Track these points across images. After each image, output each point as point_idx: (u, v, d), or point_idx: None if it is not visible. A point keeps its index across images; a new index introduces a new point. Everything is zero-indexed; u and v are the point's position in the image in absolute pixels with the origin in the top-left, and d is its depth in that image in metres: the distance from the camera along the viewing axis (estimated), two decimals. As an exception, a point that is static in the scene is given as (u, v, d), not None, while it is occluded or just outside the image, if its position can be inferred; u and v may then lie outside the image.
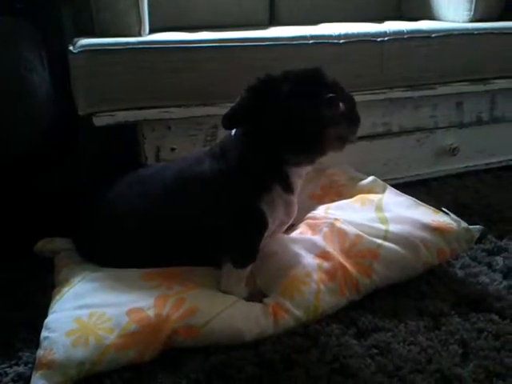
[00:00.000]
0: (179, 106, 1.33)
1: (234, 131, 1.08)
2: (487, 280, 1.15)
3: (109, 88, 1.27)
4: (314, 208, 1.29)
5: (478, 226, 1.21)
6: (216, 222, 1.05)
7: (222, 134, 1.36)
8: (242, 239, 1.06)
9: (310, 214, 1.26)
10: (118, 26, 1.35)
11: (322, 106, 1.00)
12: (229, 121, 1.03)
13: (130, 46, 1.27)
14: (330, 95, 1.00)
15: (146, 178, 1.14)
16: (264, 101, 1.00)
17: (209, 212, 1.06)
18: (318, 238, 1.15)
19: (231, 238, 1.05)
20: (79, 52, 1.23)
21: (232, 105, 1.03)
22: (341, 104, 1.01)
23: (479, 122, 1.73)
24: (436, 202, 1.31)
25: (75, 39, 1.29)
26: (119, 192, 1.15)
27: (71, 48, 1.24)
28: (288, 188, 1.08)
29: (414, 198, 1.29)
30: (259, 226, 1.05)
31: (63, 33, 1.46)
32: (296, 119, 0.99)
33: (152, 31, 1.43)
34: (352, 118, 1.04)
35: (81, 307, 0.97)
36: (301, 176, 1.10)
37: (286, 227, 1.16)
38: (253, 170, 1.04)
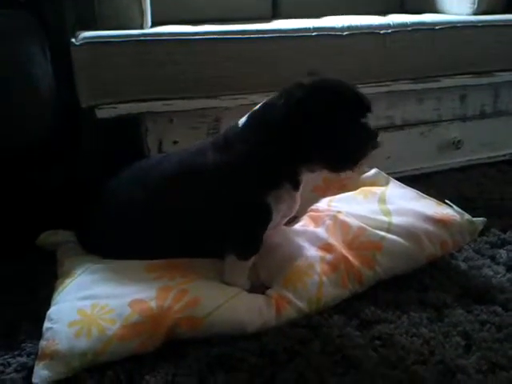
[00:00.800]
0: (182, 99, 1.33)
1: (241, 123, 1.07)
2: (490, 272, 1.15)
3: (111, 80, 1.27)
4: (316, 201, 1.29)
5: (481, 219, 1.20)
6: (219, 214, 1.05)
7: (225, 126, 1.37)
8: (246, 231, 1.06)
9: (313, 207, 1.26)
10: (121, 19, 1.35)
11: (366, 135, 1.01)
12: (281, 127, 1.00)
13: (133, 39, 1.27)
14: (373, 131, 1.02)
15: (147, 170, 1.14)
16: (307, 115, 0.98)
17: (212, 204, 1.05)
18: (320, 230, 1.15)
19: (235, 229, 1.05)
20: (81, 44, 1.23)
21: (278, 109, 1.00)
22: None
23: (483, 114, 1.72)
24: (439, 195, 1.31)
25: (77, 32, 1.29)
26: (121, 184, 1.15)
27: (73, 40, 1.24)
28: (296, 185, 1.08)
29: (417, 191, 1.29)
30: (264, 219, 1.05)
31: (65, 26, 1.46)
32: (342, 142, 0.99)
33: (154, 24, 1.43)
34: (375, 137, 1.04)
35: (83, 298, 0.97)
36: (310, 176, 1.11)
37: (287, 219, 1.16)
38: (265, 166, 1.03)
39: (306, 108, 0.97)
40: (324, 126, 0.98)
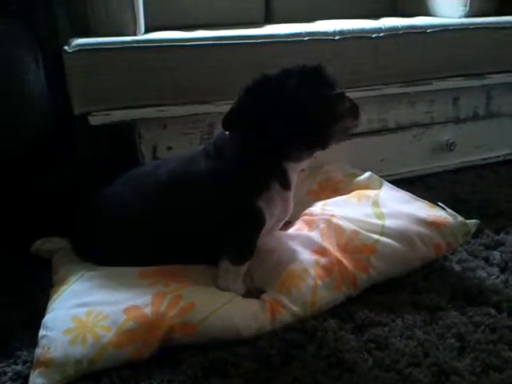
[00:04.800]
0: (175, 105, 1.33)
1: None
2: (484, 274, 1.15)
3: (104, 87, 1.27)
4: (310, 204, 1.30)
5: (474, 221, 1.20)
6: (213, 221, 1.05)
7: (219, 132, 1.37)
8: (240, 237, 1.06)
9: (306, 211, 1.27)
10: (114, 26, 1.34)
11: (334, 100, 1.00)
12: (228, 122, 1.04)
13: (126, 46, 1.27)
14: (341, 90, 1.02)
15: (141, 177, 1.14)
16: (264, 100, 1.01)
17: (205, 210, 1.06)
18: (314, 234, 1.15)
19: (229, 235, 1.05)
20: (74, 52, 1.23)
21: (231, 105, 1.04)
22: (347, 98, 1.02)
23: (475, 117, 1.73)
24: (433, 198, 1.31)
25: (70, 39, 1.29)
26: (114, 191, 1.15)
27: (66, 48, 1.24)
28: (285, 184, 1.08)
29: (410, 193, 1.29)
30: (257, 223, 1.05)
31: (58, 33, 1.46)
32: (311, 112, 0.99)
33: (148, 31, 1.43)
34: (354, 110, 1.04)
35: (78, 306, 0.97)
36: (297, 171, 1.11)
37: (282, 224, 1.16)
38: (252, 168, 1.04)
39: (257, 96, 1.00)
40: (290, 107, 0.99)
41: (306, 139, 1.03)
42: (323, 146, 1.04)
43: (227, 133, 1.08)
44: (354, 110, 1.03)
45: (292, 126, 1.01)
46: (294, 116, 1.00)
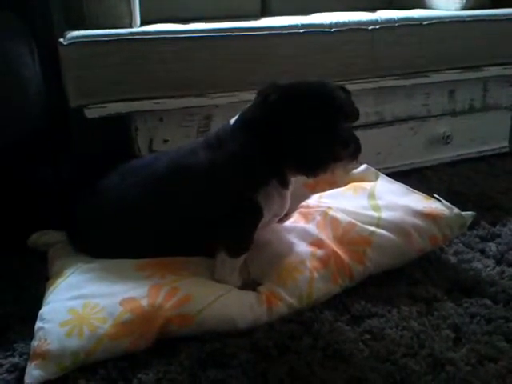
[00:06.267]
0: (171, 97, 1.33)
1: (232, 121, 1.08)
2: (480, 266, 1.16)
3: (100, 80, 1.27)
4: (307, 197, 1.30)
5: (470, 212, 1.21)
6: (211, 212, 1.05)
7: (215, 124, 1.37)
8: (237, 229, 1.06)
9: (303, 203, 1.27)
10: (109, 18, 1.34)
11: (336, 143, 1.01)
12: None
13: (121, 38, 1.27)
14: (345, 138, 1.01)
15: (138, 169, 1.14)
16: (278, 114, 1.00)
17: (204, 202, 1.06)
18: (310, 226, 1.15)
19: (226, 227, 1.05)
20: (69, 44, 1.23)
21: (248, 107, 1.05)
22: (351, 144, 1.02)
23: (472, 109, 1.73)
24: (429, 190, 1.32)
25: (66, 32, 1.29)
26: (111, 183, 1.14)
27: (61, 40, 1.24)
28: (284, 183, 1.09)
29: (406, 186, 1.29)
30: (255, 216, 1.06)
31: (53, 26, 1.46)
32: (310, 148, 1.00)
33: (143, 23, 1.43)
34: (356, 151, 1.04)
35: (75, 298, 0.97)
36: (297, 176, 1.12)
37: (278, 218, 1.16)
38: (253, 164, 1.04)
39: (277, 111, 0.99)
40: (294, 131, 1.00)
41: (300, 166, 1.04)
42: (314, 175, 1.06)
43: (231, 125, 1.08)
44: (355, 151, 1.03)
45: (291, 150, 1.02)
46: (296, 143, 1.01)
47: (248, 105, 1.07)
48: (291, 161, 1.04)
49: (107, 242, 1.11)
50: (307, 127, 1.00)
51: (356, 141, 1.03)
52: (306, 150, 1.01)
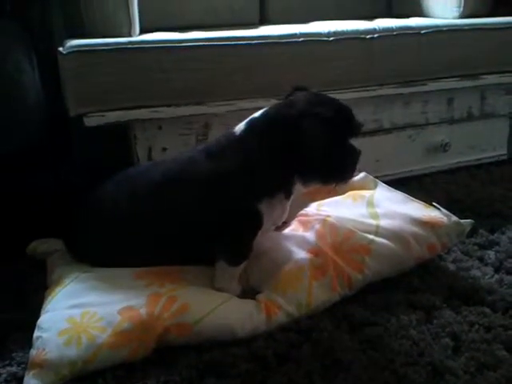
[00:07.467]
0: (170, 106, 1.33)
1: (239, 130, 1.07)
2: (479, 273, 1.16)
3: (99, 88, 1.27)
4: (306, 205, 1.29)
5: (469, 220, 1.21)
6: (210, 220, 1.05)
7: (214, 133, 1.38)
8: (237, 238, 1.06)
9: (302, 212, 1.26)
10: (108, 27, 1.35)
11: (349, 157, 1.08)
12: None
13: (120, 47, 1.27)
14: (356, 148, 1.08)
15: (136, 177, 1.14)
16: (302, 133, 1.01)
17: (203, 210, 1.05)
18: (309, 235, 1.15)
19: (225, 236, 1.05)
20: (69, 53, 1.23)
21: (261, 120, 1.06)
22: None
23: (470, 117, 1.74)
24: (428, 198, 1.32)
25: (65, 40, 1.29)
26: (108, 192, 1.14)
27: (61, 49, 1.24)
28: (288, 194, 1.10)
29: (404, 194, 1.30)
30: (255, 225, 1.06)
31: (53, 34, 1.46)
32: (337, 160, 1.05)
33: (143, 32, 1.43)
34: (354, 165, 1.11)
35: (73, 307, 0.97)
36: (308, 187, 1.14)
37: (275, 227, 1.16)
38: (261, 175, 1.04)
39: (302, 127, 0.99)
40: (319, 146, 1.01)
41: (327, 177, 1.08)
42: (343, 183, 1.11)
43: (237, 133, 1.07)
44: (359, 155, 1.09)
45: (315, 165, 1.04)
46: (320, 157, 1.02)
47: (255, 114, 1.07)
48: (314, 174, 1.07)
49: (105, 251, 1.11)
50: (332, 141, 1.02)
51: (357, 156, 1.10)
52: (332, 163, 1.04)
